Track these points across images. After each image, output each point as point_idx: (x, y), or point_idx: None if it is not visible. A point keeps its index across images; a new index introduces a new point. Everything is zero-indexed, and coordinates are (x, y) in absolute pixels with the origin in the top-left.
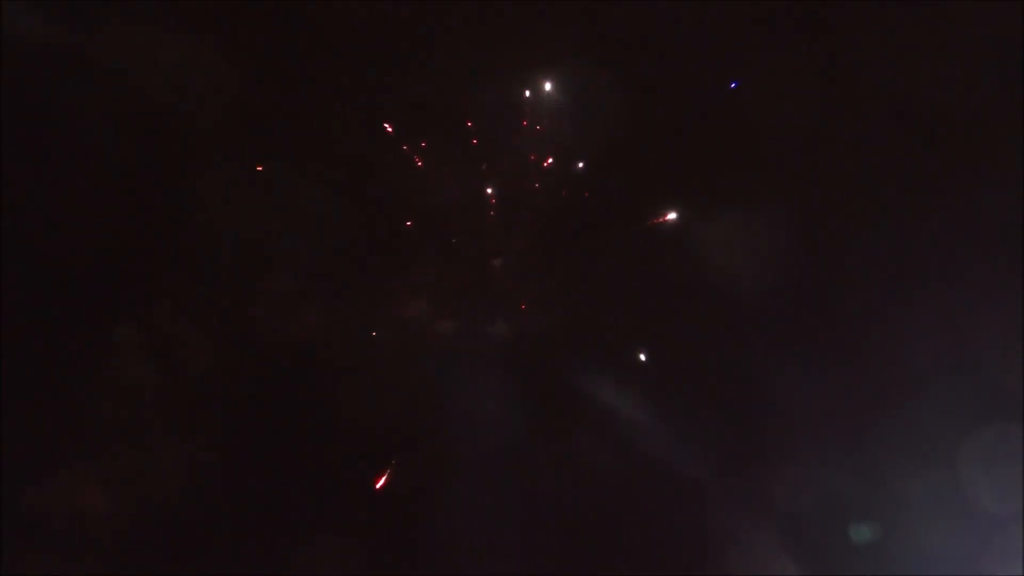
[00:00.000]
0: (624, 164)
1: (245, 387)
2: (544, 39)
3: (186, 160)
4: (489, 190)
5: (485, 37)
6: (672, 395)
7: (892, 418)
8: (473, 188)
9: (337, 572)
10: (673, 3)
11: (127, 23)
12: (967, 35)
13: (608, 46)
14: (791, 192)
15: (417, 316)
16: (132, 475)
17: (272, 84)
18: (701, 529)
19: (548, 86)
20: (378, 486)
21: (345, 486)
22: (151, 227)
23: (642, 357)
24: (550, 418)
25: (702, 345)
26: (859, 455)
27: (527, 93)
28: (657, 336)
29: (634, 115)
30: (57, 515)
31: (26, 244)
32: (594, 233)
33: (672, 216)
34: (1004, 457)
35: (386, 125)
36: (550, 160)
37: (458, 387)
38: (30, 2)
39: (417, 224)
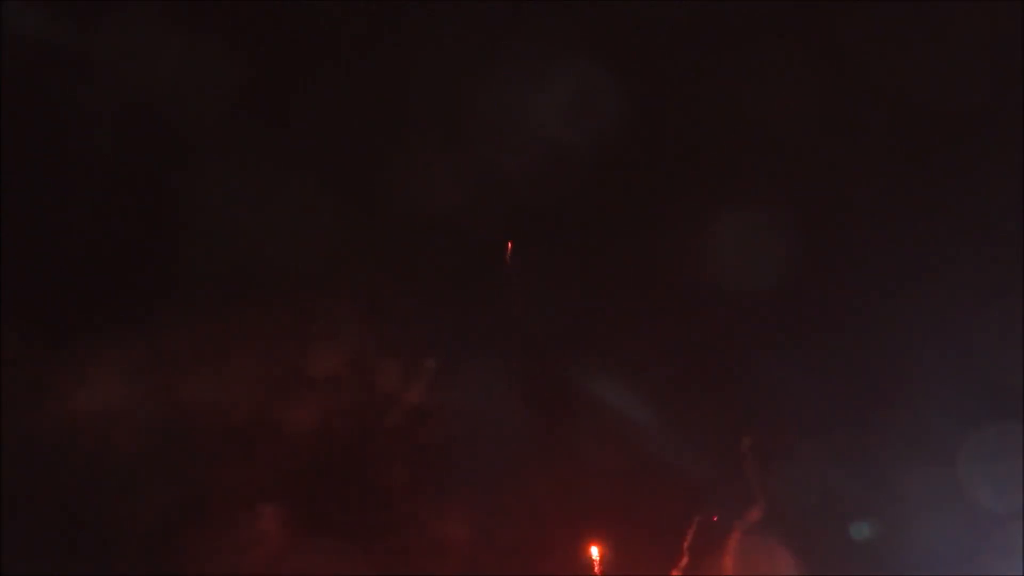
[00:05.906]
0: (624, 165)
1: None
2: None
3: None
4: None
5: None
6: (672, 395)
7: (892, 417)
8: None
9: None
10: (674, 3)
11: (123, 23)
12: (967, 35)
13: (609, 46)
14: (791, 193)
15: None
16: None
17: None
18: (700, 526)
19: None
20: None
21: None
22: None
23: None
24: (551, 418)
25: (702, 345)
26: (859, 454)
27: None
28: (657, 336)
29: (634, 116)
30: None
31: None
32: (594, 233)
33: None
34: (1004, 455)
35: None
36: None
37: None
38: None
39: None
